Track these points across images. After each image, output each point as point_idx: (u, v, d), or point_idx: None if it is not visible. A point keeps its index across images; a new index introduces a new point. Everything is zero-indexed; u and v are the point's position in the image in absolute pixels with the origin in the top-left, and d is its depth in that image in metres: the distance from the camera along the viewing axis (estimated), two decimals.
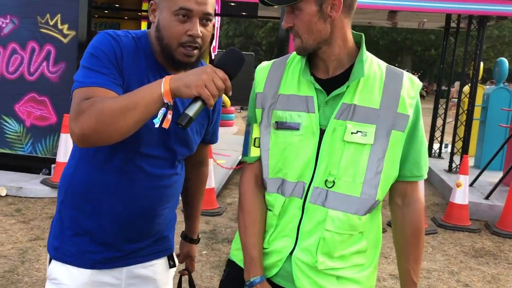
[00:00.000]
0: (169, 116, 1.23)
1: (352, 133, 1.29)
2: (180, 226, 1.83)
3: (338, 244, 1.33)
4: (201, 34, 1.36)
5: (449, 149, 8.06)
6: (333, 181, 1.31)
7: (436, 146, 8.89)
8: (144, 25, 9.95)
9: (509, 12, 6.82)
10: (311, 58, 1.37)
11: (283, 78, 1.40)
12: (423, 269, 4.05)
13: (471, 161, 7.54)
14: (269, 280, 1.41)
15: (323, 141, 1.32)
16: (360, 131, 1.29)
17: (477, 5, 6.77)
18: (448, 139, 8.97)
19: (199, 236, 1.86)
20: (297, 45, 1.32)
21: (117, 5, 9.97)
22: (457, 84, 12.42)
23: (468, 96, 7.35)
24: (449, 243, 4.78)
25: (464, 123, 7.39)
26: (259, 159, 1.43)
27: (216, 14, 10.26)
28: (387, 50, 32.68)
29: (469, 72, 7.39)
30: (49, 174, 5.71)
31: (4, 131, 5.81)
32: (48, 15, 5.57)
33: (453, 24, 8.36)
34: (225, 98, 12.98)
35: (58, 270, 1.48)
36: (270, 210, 1.41)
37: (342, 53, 1.33)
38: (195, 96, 1.20)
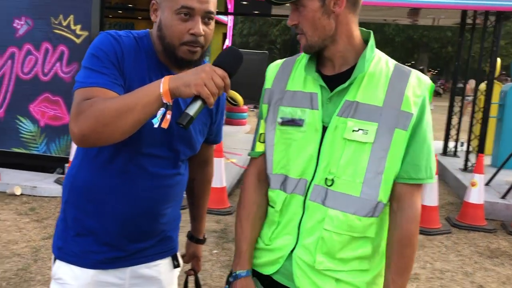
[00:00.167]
0: (168, 116, 1.23)
1: (353, 131, 1.28)
2: (183, 225, 1.83)
3: (338, 245, 1.31)
4: (203, 33, 1.36)
5: (465, 147, 7.93)
6: (332, 180, 1.30)
7: (451, 144, 8.77)
8: None
9: None
10: (319, 56, 1.37)
11: (291, 75, 1.41)
12: (436, 270, 3.99)
13: (487, 160, 7.41)
14: (269, 278, 1.40)
15: (324, 139, 1.31)
16: (362, 129, 1.27)
17: (493, 0, 6.65)
18: (464, 137, 8.84)
19: (205, 236, 1.86)
20: (303, 43, 1.33)
21: (130, 5, 10.03)
22: (471, 81, 12.21)
23: (484, 93, 7.23)
24: (463, 243, 4.70)
25: (480, 121, 7.27)
26: (263, 154, 1.44)
27: (229, 13, 10.28)
28: (403, 47, 32.32)
29: (485, 69, 7.26)
30: (63, 173, 5.78)
31: (19, 131, 5.89)
32: (61, 16, 5.63)
33: (469, 21, 8.22)
34: (238, 97, 13.00)
35: (62, 270, 1.49)
36: (272, 207, 1.41)
37: (347, 50, 1.32)
38: (195, 95, 1.19)
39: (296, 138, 1.34)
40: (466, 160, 7.23)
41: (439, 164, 7.60)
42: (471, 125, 7.40)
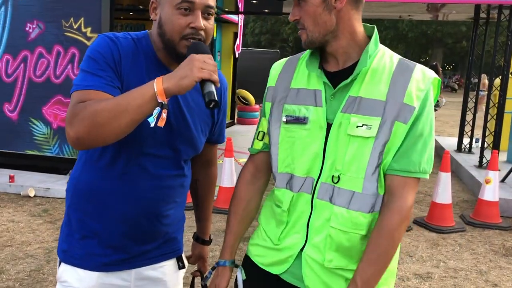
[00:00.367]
0: (164, 115, 1.24)
1: (357, 126, 1.26)
2: (191, 225, 1.82)
3: (346, 243, 1.30)
4: (204, 27, 1.37)
5: (480, 143, 7.82)
6: (338, 177, 1.29)
7: (466, 141, 8.65)
8: None
9: None
10: (322, 52, 1.37)
11: (295, 72, 1.41)
12: (449, 268, 3.94)
13: (503, 156, 7.30)
14: (278, 278, 1.40)
15: (329, 136, 1.30)
16: (366, 124, 1.26)
17: None
18: (479, 133, 8.70)
19: (211, 237, 1.86)
20: (304, 38, 1.33)
21: (141, 7, 10.08)
22: (483, 76, 12.01)
23: (498, 88, 7.11)
24: (477, 241, 4.63)
25: (495, 117, 7.15)
26: (261, 151, 1.47)
27: (239, 12, 10.27)
28: (417, 43, 31.98)
29: (500, 63, 7.15)
30: None
31: (33, 133, 5.97)
32: (71, 18, 5.69)
33: (482, 15, 8.09)
34: (249, 96, 12.97)
35: (67, 273, 1.49)
36: (279, 207, 1.40)
37: (350, 46, 1.32)
38: (197, 81, 1.22)
39: (300, 136, 1.34)
40: (481, 156, 7.12)
41: (453, 160, 7.50)
42: (485, 121, 7.29)
